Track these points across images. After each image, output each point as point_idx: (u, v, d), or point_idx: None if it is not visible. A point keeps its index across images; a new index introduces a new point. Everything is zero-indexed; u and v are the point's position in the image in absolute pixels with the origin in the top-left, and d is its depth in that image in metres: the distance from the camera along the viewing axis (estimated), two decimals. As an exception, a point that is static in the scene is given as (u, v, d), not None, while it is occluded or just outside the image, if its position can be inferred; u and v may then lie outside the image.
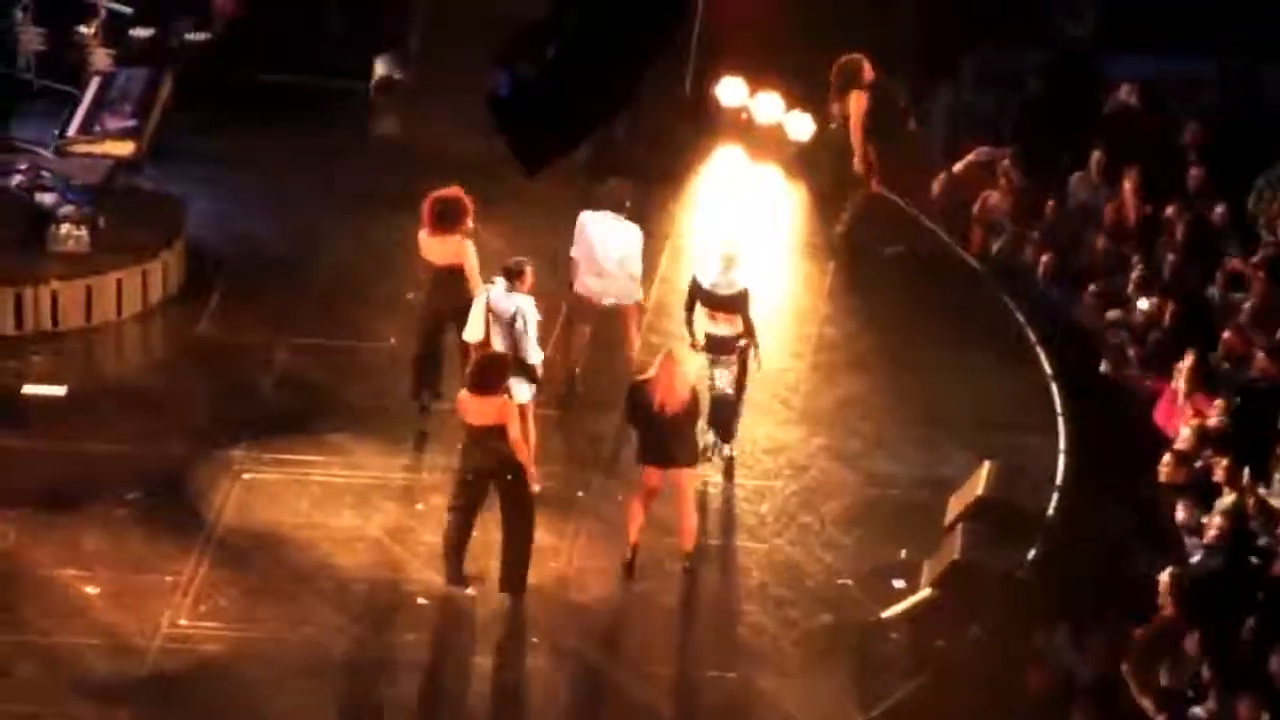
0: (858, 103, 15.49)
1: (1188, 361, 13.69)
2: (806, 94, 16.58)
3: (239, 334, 14.76)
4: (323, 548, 12.81)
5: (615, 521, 13.07)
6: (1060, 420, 14.13)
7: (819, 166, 16.36)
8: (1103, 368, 14.26)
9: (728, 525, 13.18)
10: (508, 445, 12.21)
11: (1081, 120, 16.31)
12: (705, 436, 13.23)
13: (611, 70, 9.08)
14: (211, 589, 12.45)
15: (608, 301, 13.91)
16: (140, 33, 16.86)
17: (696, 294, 13.47)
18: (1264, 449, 13.09)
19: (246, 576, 12.56)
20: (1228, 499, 12.78)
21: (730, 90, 17.12)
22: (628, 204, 13.84)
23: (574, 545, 12.93)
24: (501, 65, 9.09)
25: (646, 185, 14.69)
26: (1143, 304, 14.68)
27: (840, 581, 12.73)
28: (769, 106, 16.98)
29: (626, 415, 12.69)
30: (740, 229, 14.09)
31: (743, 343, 13.42)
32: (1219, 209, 15.26)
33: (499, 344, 12.97)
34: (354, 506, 13.17)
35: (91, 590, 12.42)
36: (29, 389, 14.15)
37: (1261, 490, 12.83)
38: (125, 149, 15.83)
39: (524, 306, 12.98)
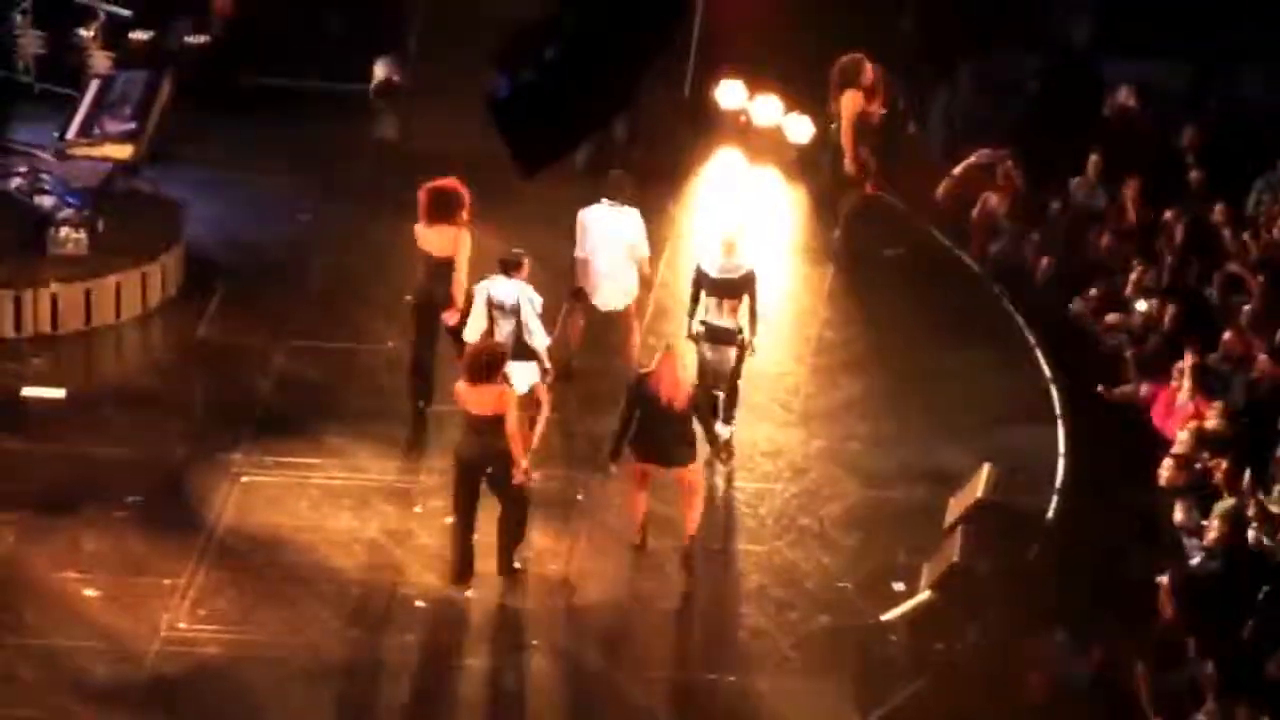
0: (851, 103, 15.49)
1: (1188, 363, 13.69)
2: (806, 96, 16.58)
3: (238, 336, 14.76)
4: (322, 550, 12.81)
5: (614, 524, 13.07)
6: (1059, 422, 14.13)
7: (819, 168, 16.37)
8: (1100, 387, 14.24)
9: (727, 528, 13.17)
10: (504, 435, 12.20)
11: (1082, 123, 16.31)
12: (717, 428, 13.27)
13: (610, 72, 9.08)
14: (211, 592, 12.44)
15: (607, 308, 13.93)
16: (139, 35, 16.86)
17: (702, 283, 13.52)
18: (1265, 451, 13.08)
19: (245, 579, 12.55)
20: (1227, 502, 12.77)
21: (729, 92, 17.13)
22: (626, 192, 13.87)
23: (573, 548, 12.92)
24: (500, 67, 9.08)
25: (646, 187, 14.68)
26: (1141, 306, 14.68)
27: (839, 584, 12.73)
28: (768, 109, 16.98)
29: (626, 408, 12.68)
30: (738, 226, 14.12)
31: (742, 336, 13.46)
32: (1218, 211, 15.27)
33: (504, 335, 12.98)
34: (353, 509, 13.17)
35: (91, 593, 12.41)
36: (28, 391, 14.14)
37: (1260, 494, 12.82)
38: (124, 152, 15.83)
39: (526, 292, 13.04)
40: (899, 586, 12.59)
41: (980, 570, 12.40)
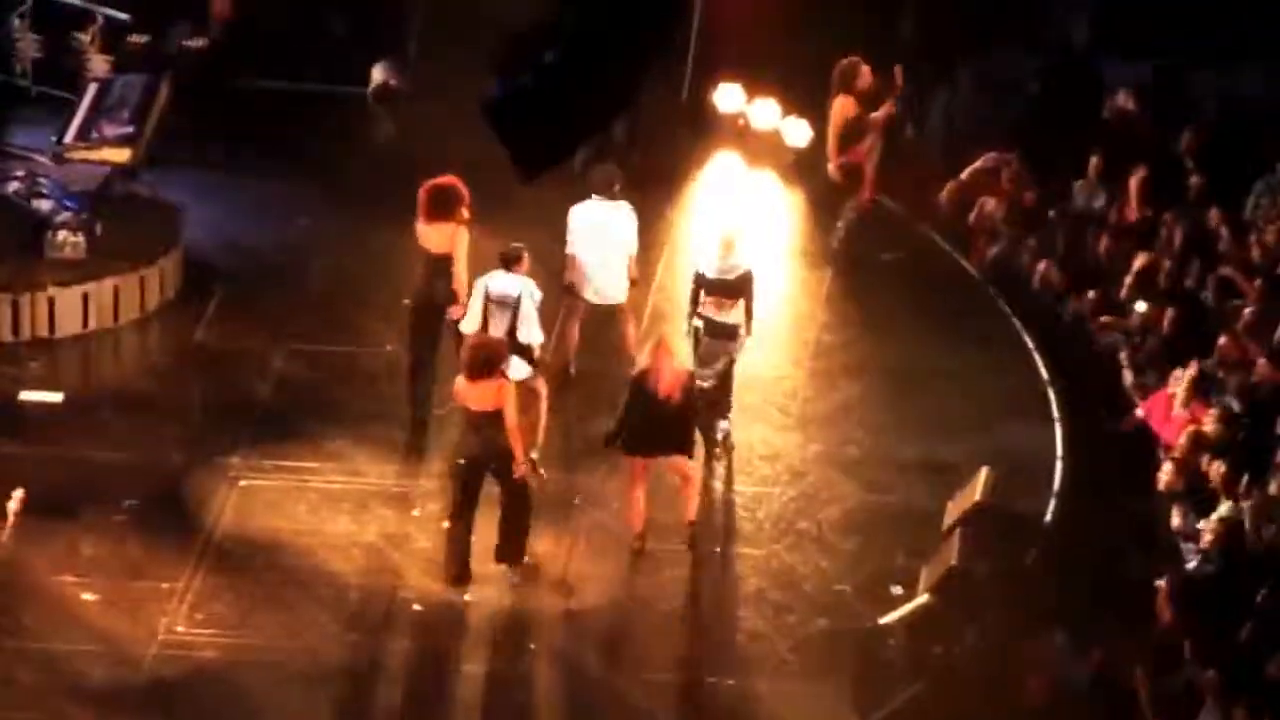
0: (841, 109, 15.49)
1: (1190, 371, 13.68)
2: (804, 99, 16.58)
3: (236, 340, 14.76)
4: (320, 554, 12.81)
5: (612, 527, 13.07)
6: (1057, 426, 14.13)
7: (817, 172, 16.36)
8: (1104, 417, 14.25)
9: (725, 531, 13.17)
10: (505, 430, 12.21)
11: (1082, 124, 16.31)
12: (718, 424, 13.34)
13: (609, 75, 9.08)
14: (209, 595, 12.44)
15: (602, 301, 13.96)
16: (137, 39, 16.85)
17: (701, 284, 13.62)
18: (1264, 455, 13.08)
19: (244, 583, 12.55)
20: (1225, 505, 12.77)
21: (728, 96, 17.13)
22: (616, 187, 13.89)
23: (571, 550, 12.92)
24: (498, 70, 9.09)
25: (644, 190, 14.68)
26: (1139, 307, 14.68)
27: (838, 587, 12.73)
28: (766, 112, 16.99)
29: (626, 405, 12.70)
30: (736, 226, 14.17)
31: (740, 332, 13.58)
32: (1216, 214, 15.27)
33: (499, 329, 13.01)
34: (351, 513, 13.16)
35: (89, 597, 12.41)
36: (26, 395, 14.14)
37: (1257, 492, 12.82)
38: (122, 156, 15.83)
39: (527, 287, 13.10)
40: (897, 590, 12.59)
41: (979, 573, 12.40)
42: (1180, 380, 13.80)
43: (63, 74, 16.67)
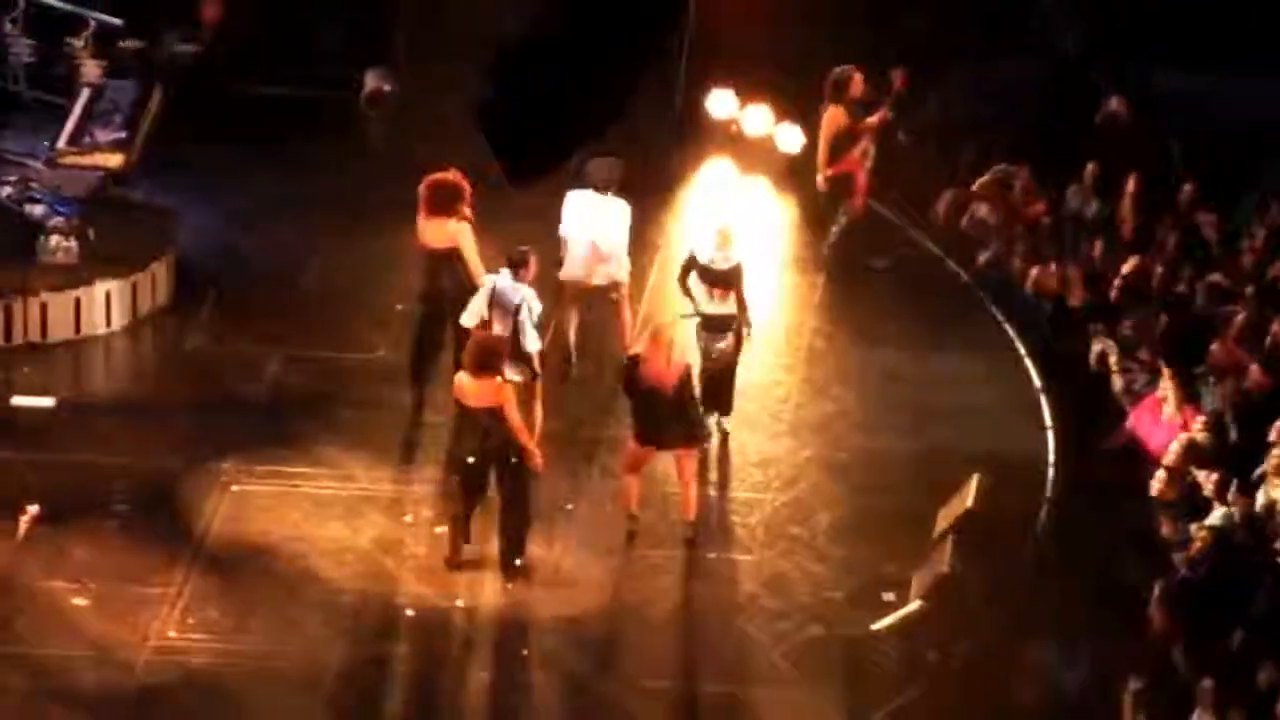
0: (831, 119, 15.50)
1: (1189, 384, 13.71)
2: (797, 105, 16.60)
3: (228, 346, 14.75)
4: (312, 559, 12.79)
5: (606, 533, 13.07)
6: (1049, 432, 14.14)
7: (809, 178, 16.36)
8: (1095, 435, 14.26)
9: (718, 538, 13.17)
10: (506, 426, 12.23)
11: (1078, 131, 16.33)
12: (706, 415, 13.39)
13: (602, 82, 9.08)
14: (200, 601, 12.42)
15: (597, 281, 14.03)
16: (130, 44, 16.84)
17: (693, 267, 13.70)
18: (1255, 462, 13.09)
19: (235, 588, 12.53)
20: (1216, 512, 12.78)
21: (721, 102, 17.14)
22: (614, 185, 14.00)
23: (564, 557, 12.91)
24: (491, 76, 9.09)
25: (637, 197, 14.69)
26: (1131, 316, 14.69)
27: (830, 594, 12.73)
28: (759, 118, 16.99)
29: (624, 390, 12.82)
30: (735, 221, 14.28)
31: (738, 323, 13.65)
32: (1209, 222, 15.29)
33: (502, 331, 13.09)
34: (344, 518, 13.15)
35: (80, 602, 12.39)
36: (18, 400, 14.12)
37: (1247, 498, 12.84)
38: (115, 161, 15.81)
39: (528, 297, 13.20)
40: (889, 596, 12.59)
41: (970, 580, 12.40)
42: (1169, 386, 13.81)
43: (56, 79, 16.65)
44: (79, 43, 16.57)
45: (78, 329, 14.79)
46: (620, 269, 14.15)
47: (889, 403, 14.44)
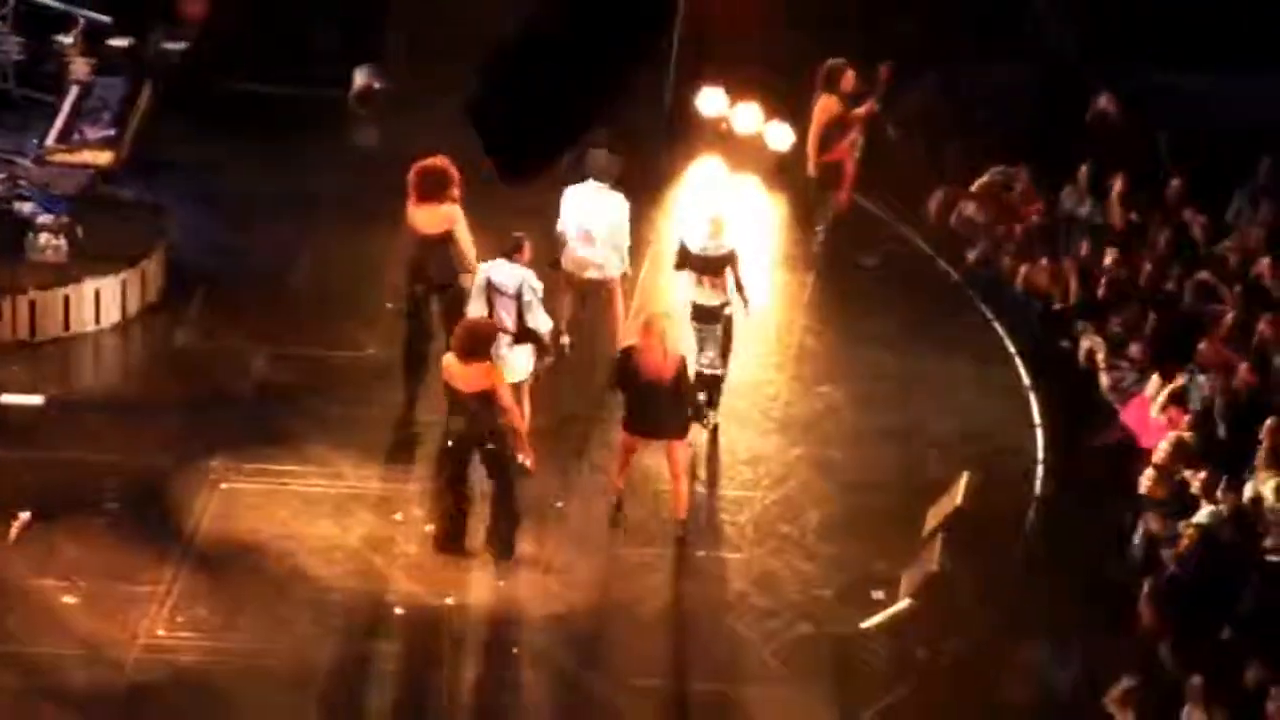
0: (824, 108, 15.53)
1: (1169, 378, 13.72)
2: (786, 103, 16.60)
3: (218, 343, 14.73)
4: (301, 558, 12.79)
5: (596, 530, 13.07)
6: (1038, 430, 14.16)
7: (799, 176, 16.37)
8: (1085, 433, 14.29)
9: (708, 535, 13.17)
10: (496, 411, 12.26)
11: (1070, 131, 16.36)
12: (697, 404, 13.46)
13: (593, 80, 9.09)
14: (190, 599, 12.41)
15: (592, 274, 14.05)
16: (119, 42, 16.82)
17: (686, 259, 13.74)
18: (1243, 460, 13.11)
19: (225, 586, 12.53)
20: (1204, 510, 12.80)
21: (710, 100, 17.14)
22: (613, 178, 14.03)
23: (554, 555, 12.91)
24: (482, 74, 9.09)
25: (628, 194, 14.68)
26: (1119, 313, 14.71)
27: (820, 592, 12.73)
28: (749, 116, 17.00)
29: (614, 382, 12.84)
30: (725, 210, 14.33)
31: (728, 311, 13.67)
32: (1200, 221, 15.31)
33: (507, 320, 13.08)
34: (332, 516, 13.15)
35: (70, 599, 12.38)
36: (6, 399, 14.09)
37: (1234, 495, 12.86)
38: (104, 158, 15.80)
39: (527, 277, 13.19)
40: (879, 594, 12.60)
41: (960, 578, 12.42)
42: (1157, 384, 13.83)
43: (45, 77, 16.63)
44: (68, 40, 16.57)
45: (67, 326, 14.77)
46: (617, 262, 14.15)
47: (878, 401, 14.45)
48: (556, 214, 14.22)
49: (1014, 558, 12.91)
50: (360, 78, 17.21)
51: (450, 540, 12.72)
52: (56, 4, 16.61)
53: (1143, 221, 15.48)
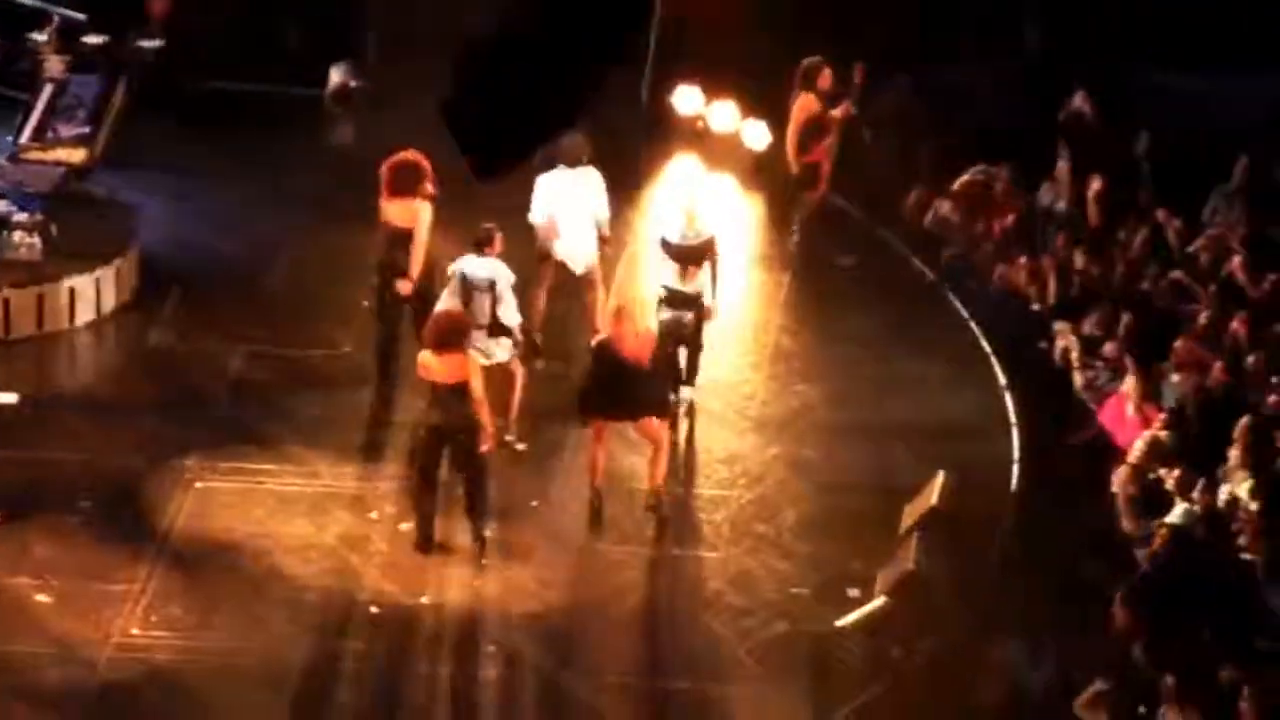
0: (802, 107, 15.55)
1: (1152, 381, 13.76)
2: (763, 101, 16.61)
3: (193, 342, 14.70)
4: (276, 556, 12.76)
5: (572, 530, 13.07)
6: (1014, 430, 14.17)
7: (776, 174, 16.39)
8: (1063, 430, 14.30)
9: (683, 534, 13.17)
10: (470, 403, 12.26)
11: (1045, 131, 16.39)
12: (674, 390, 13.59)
13: (567, 78, 9.08)
14: (164, 598, 12.38)
15: (575, 267, 14.05)
16: (94, 39, 16.77)
17: (666, 251, 13.83)
18: (1217, 459, 13.13)
19: (199, 585, 12.49)
20: (1177, 509, 12.82)
21: (686, 98, 17.14)
22: (584, 158, 14.02)
23: (529, 553, 12.90)
24: (456, 72, 9.08)
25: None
26: (1094, 313, 14.73)
27: (796, 590, 12.73)
28: (725, 115, 17.00)
29: (590, 373, 12.84)
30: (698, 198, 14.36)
31: (702, 299, 13.81)
32: (1174, 224, 15.34)
33: (480, 314, 13.12)
34: (308, 515, 13.12)
35: (43, 598, 12.33)
36: (-21, 397, 14.05)
37: (1209, 494, 12.88)
38: (78, 156, 15.75)
39: (499, 270, 13.20)
40: (854, 593, 12.60)
41: (935, 577, 12.43)
42: (1133, 383, 13.86)
43: (18, 75, 16.58)
44: (42, 38, 16.51)
45: (40, 325, 14.72)
46: (594, 245, 14.11)
47: (855, 400, 14.46)
48: (521, 219, 14.19)
49: (989, 557, 12.92)
50: (336, 76, 17.18)
51: (426, 539, 12.72)
52: (31, 1, 16.56)
53: (1118, 221, 15.50)
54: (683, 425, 13.85)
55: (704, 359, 14.16)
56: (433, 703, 11.95)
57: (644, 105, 17.21)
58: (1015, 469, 13.78)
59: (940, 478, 13.07)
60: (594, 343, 13.00)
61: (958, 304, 15.56)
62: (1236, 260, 14.78)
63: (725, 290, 14.20)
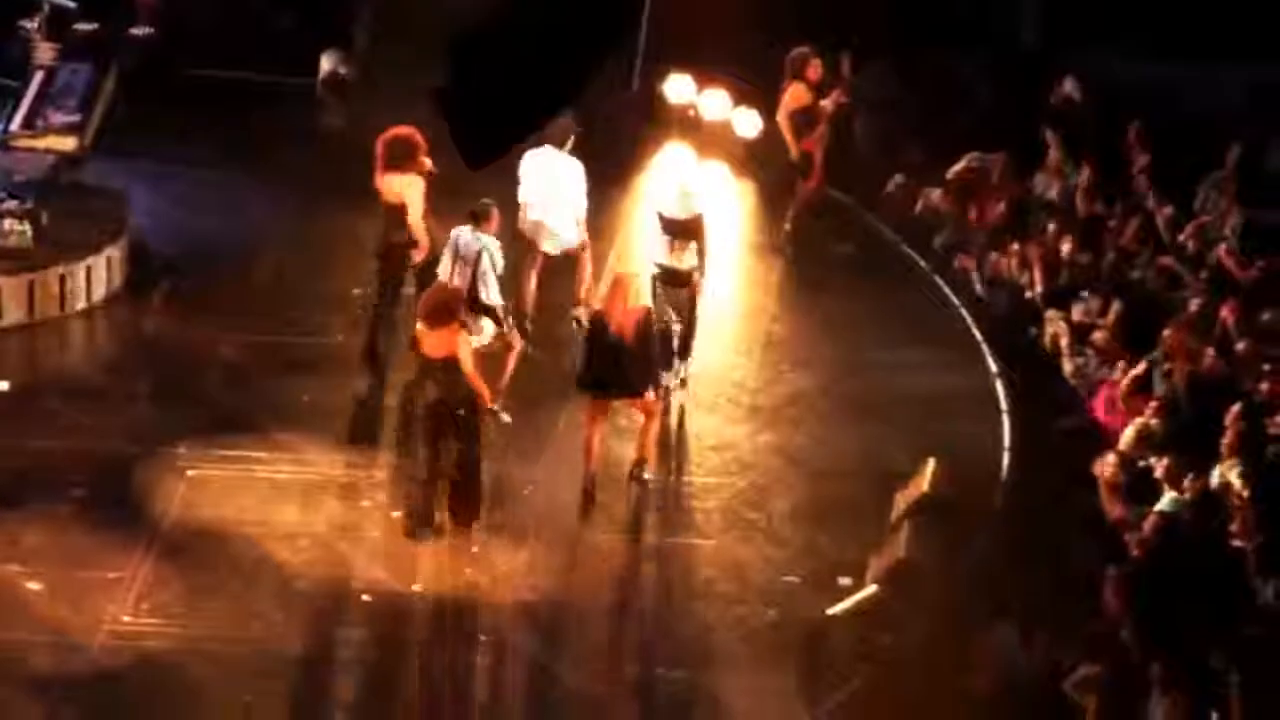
0: (793, 96, 15.57)
1: (1134, 366, 13.78)
2: (754, 90, 16.61)
3: (184, 330, 14.69)
4: (268, 544, 12.76)
5: (563, 516, 13.07)
6: (1005, 417, 14.19)
7: (768, 163, 16.40)
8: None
9: (675, 522, 13.18)
10: (461, 376, 12.27)
11: (1036, 119, 16.40)
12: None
13: (559, 65, 9.08)
14: (156, 585, 12.38)
15: (553, 248, 14.04)
16: (84, 27, 16.75)
17: (660, 224, 13.93)
18: (1207, 447, 13.15)
19: (191, 573, 12.49)
20: (1166, 497, 12.85)
21: (678, 87, 17.14)
22: (570, 142, 14.00)
23: (521, 540, 12.90)
24: (448, 58, 9.08)
25: (594, 181, 14.68)
26: (1085, 300, 14.75)
27: (787, 578, 12.75)
28: (716, 103, 17.00)
29: (586, 345, 12.88)
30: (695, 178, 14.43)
31: (696, 277, 13.88)
32: (1164, 212, 15.35)
33: (461, 284, 13.14)
34: (300, 503, 13.12)
35: (34, 586, 12.33)
36: (-29, 385, 14.05)
37: (1199, 481, 12.90)
38: (68, 144, 15.73)
39: (489, 246, 13.21)
40: (846, 581, 12.62)
41: (927, 564, 12.44)
42: (1123, 371, 13.88)
43: (8, 62, 16.55)
44: (33, 25, 16.48)
45: (31, 313, 14.71)
46: (575, 229, 14.13)
47: (846, 387, 14.47)
48: (513, 205, 14.21)
49: (981, 544, 12.93)
50: (327, 63, 17.17)
51: (418, 526, 12.71)
52: (21, -11, 16.54)
53: (1109, 209, 15.51)
54: (674, 409, 13.88)
55: (696, 343, 14.18)
56: (424, 691, 11.97)
57: (635, 93, 17.19)
58: (1006, 456, 13.80)
59: (932, 465, 13.09)
60: (590, 315, 13.01)
61: (949, 291, 15.58)
62: (1223, 248, 14.80)
63: (715, 269, 14.28)
